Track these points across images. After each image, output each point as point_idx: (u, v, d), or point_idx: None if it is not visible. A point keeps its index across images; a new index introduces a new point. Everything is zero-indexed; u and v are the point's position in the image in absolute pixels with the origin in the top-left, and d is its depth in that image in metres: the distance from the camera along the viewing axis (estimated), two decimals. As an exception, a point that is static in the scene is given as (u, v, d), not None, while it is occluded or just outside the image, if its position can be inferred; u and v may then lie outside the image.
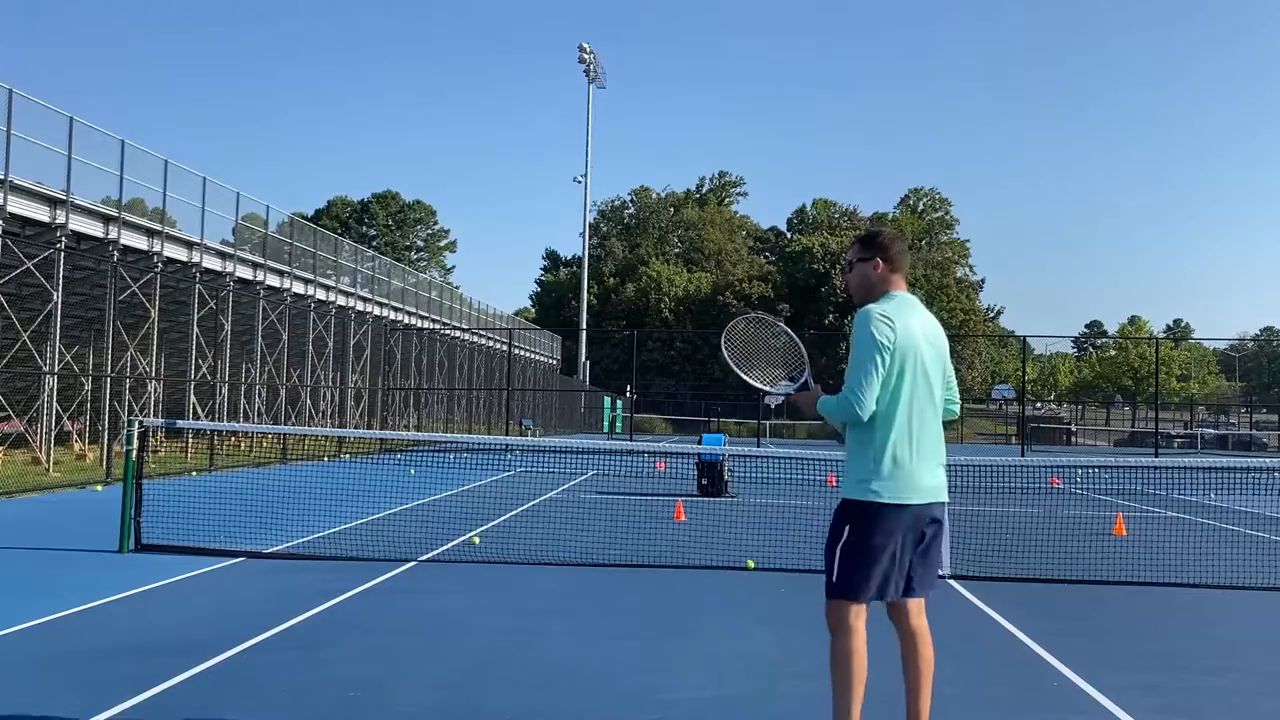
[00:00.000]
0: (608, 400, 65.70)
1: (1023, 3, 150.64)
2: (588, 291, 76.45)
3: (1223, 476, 20.98)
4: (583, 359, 69.71)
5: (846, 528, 4.01)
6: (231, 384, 28.20)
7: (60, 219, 19.70)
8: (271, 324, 28.34)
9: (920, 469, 4.02)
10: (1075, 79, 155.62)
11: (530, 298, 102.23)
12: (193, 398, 25.03)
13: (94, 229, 21.10)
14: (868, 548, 3.95)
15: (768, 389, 4.48)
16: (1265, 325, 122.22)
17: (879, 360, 3.97)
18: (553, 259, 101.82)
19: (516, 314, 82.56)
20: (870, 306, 4.06)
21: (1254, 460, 16.46)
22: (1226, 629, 7.59)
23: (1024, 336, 51.79)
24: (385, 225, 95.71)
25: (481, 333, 52.12)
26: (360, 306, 35.80)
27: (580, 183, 71.44)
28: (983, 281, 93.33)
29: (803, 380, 4.40)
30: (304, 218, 48.77)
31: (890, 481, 3.98)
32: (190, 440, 24.21)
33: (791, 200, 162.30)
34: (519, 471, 22.17)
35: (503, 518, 13.44)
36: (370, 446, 29.88)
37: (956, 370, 4.41)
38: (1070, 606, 8.21)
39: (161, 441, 22.95)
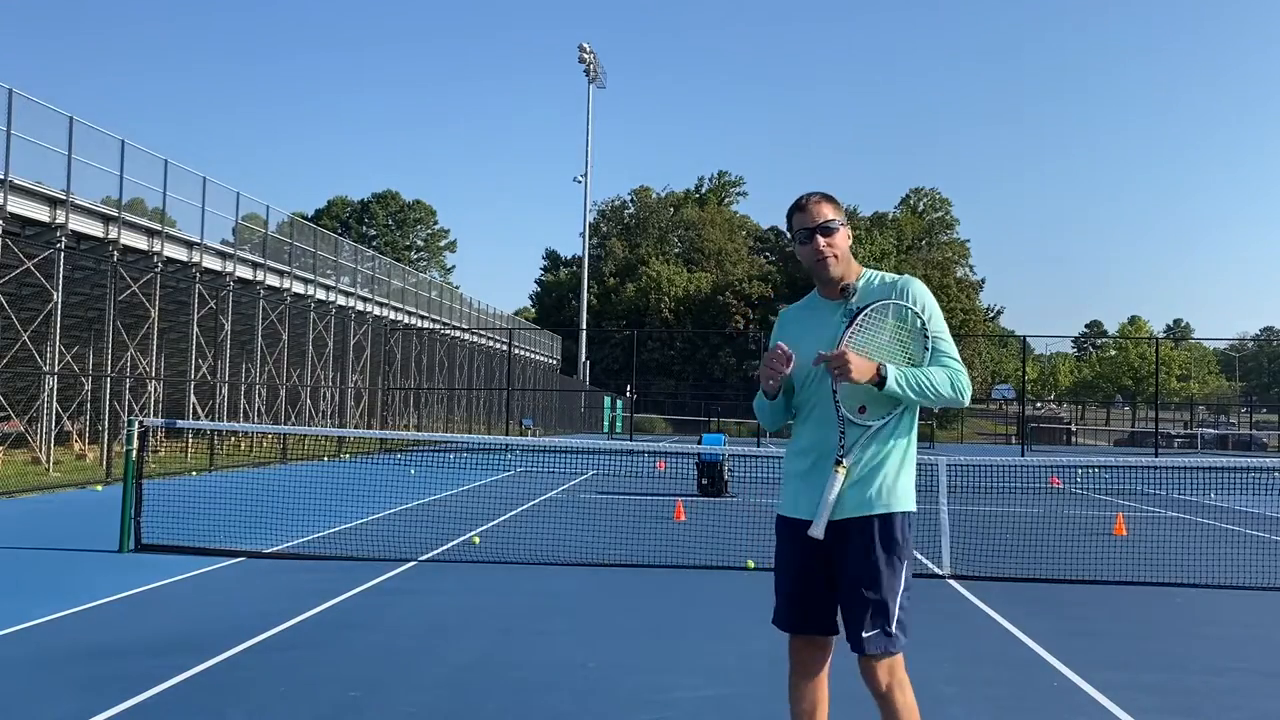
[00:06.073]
0: (608, 400, 65.70)
1: (1023, 2, 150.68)
2: (588, 291, 76.44)
3: (1223, 476, 20.98)
4: (583, 359, 69.72)
5: (909, 555, 3.40)
6: (231, 384, 28.19)
7: (60, 219, 19.70)
8: (271, 324, 28.34)
9: None
10: (1075, 79, 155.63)
11: (530, 298, 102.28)
12: (193, 398, 25.02)
13: (94, 229, 21.09)
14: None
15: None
16: (1265, 325, 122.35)
17: None
18: (553, 259, 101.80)
19: (516, 314, 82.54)
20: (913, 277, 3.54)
21: (1254, 460, 16.46)
22: (1226, 629, 7.59)
23: (1024, 336, 51.78)
24: (385, 225, 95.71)
25: (481, 333, 52.11)
26: (360, 306, 35.79)
27: (580, 183, 71.50)
28: (983, 281, 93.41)
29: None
30: (304, 218, 48.76)
31: None
32: (190, 440, 24.20)
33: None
34: (519, 471, 22.16)
35: (503, 518, 13.43)
36: (370, 446, 29.87)
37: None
38: (1070, 606, 8.21)
39: (161, 441, 22.94)
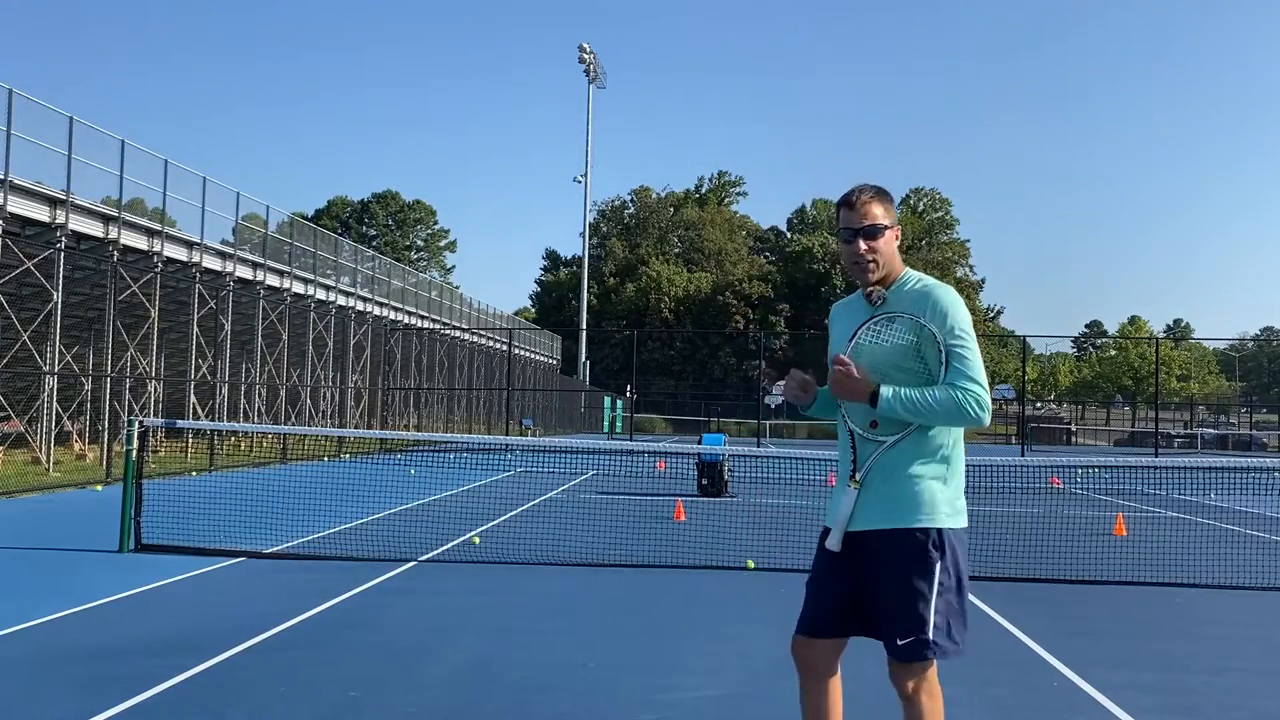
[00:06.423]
0: (608, 400, 65.73)
1: (1025, 2, 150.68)
2: (588, 291, 76.45)
3: (1223, 476, 20.94)
4: (583, 359, 69.74)
5: (957, 566, 3.22)
6: (231, 384, 28.19)
7: (60, 219, 19.70)
8: (271, 324, 28.34)
9: None
10: (1076, 79, 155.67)
11: (530, 298, 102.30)
12: (193, 398, 25.02)
13: (94, 229, 21.09)
14: (965, 584, 3.28)
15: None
16: (1265, 325, 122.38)
17: None
18: (553, 259, 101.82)
19: (516, 314, 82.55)
20: (945, 285, 3.33)
21: (1254, 460, 16.47)
22: (1226, 629, 7.59)
23: (1024, 336, 51.75)
24: (385, 225, 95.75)
25: (481, 333, 52.11)
26: (360, 306, 35.79)
27: (580, 183, 71.50)
28: (983, 281, 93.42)
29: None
30: (304, 218, 48.76)
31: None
32: (190, 440, 24.20)
33: (791, 200, 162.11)
34: (519, 471, 22.16)
35: (503, 518, 13.43)
36: (370, 446, 29.87)
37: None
38: (1070, 606, 8.21)
39: (161, 441, 22.93)
